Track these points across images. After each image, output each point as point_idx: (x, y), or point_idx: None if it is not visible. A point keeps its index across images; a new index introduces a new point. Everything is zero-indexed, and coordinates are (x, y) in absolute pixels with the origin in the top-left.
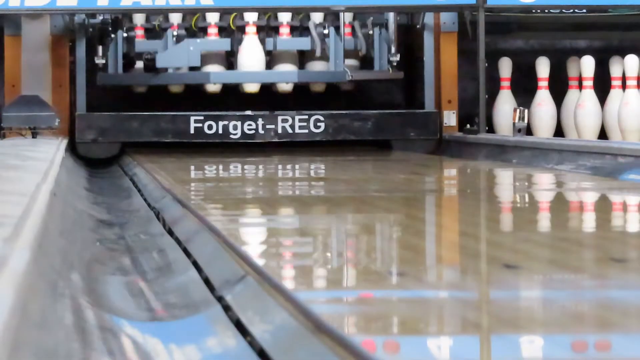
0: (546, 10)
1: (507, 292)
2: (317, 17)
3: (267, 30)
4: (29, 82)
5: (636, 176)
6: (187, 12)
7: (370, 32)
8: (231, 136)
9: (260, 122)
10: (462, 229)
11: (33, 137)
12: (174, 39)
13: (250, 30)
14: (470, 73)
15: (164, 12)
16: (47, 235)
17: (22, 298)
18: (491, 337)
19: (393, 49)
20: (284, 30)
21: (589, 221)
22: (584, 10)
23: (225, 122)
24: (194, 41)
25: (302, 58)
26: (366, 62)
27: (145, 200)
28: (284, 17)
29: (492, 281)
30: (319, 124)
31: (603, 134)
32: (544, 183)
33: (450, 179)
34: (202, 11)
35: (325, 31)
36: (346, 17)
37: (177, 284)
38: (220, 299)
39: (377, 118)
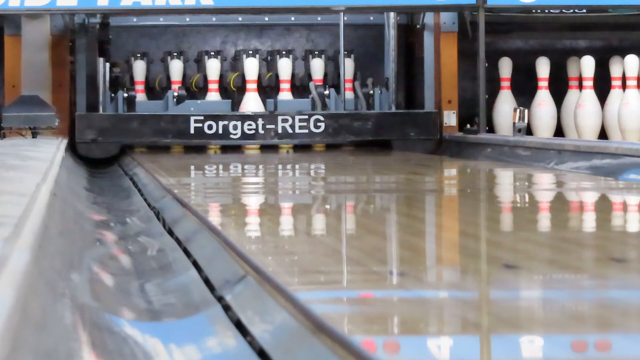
0: (546, 10)
1: (507, 292)
2: (317, 75)
3: (268, 90)
4: (29, 82)
5: (636, 176)
6: (187, 13)
7: (371, 91)
8: (231, 136)
9: (260, 122)
10: (462, 229)
11: (33, 137)
12: (175, 99)
13: (251, 86)
14: (470, 73)
15: (164, 13)
16: (47, 235)
17: (22, 298)
18: (491, 337)
19: (393, 108)
20: (285, 87)
21: (589, 221)
22: (584, 10)
23: (225, 122)
24: (195, 102)
25: None
26: None
27: (145, 200)
28: (284, 76)
29: (492, 281)
30: (319, 124)
31: (603, 134)
32: (544, 183)
33: (450, 179)
34: (202, 12)
35: (326, 92)
36: (347, 76)
37: (177, 283)
38: (220, 299)
39: (377, 118)
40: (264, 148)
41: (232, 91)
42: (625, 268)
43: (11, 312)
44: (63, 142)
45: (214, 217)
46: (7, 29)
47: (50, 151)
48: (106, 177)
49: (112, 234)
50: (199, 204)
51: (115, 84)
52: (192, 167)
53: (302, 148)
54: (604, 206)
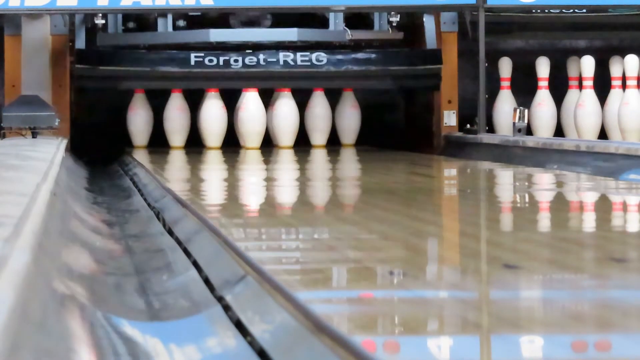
0: (546, 10)
1: (507, 292)
2: None
3: None
4: (29, 82)
5: (636, 176)
6: (187, 12)
7: None
8: (232, 66)
9: (261, 56)
10: (462, 229)
11: (33, 137)
12: None
13: None
14: (470, 73)
15: (164, 12)
16: (47, 235)
17: (22, 298)
18: (491, 337)
19: None
20: None
21: (589, 221)
22: (584, 10)
23: (226, 58)
24: None
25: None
26: (367, 22)
27: (145, 200)
28: None
29: (492, 281)
30: (321, 58)
31: (603, 134)
32: (544, 183)
33: (450, 179)
34: (202, 11)
35: None
36: None
37: (177, 283)
38: (220, 299)
39: (380, 53)
40: (264, 147)
41: None
42: (625, 268)
43: (11, 312)
44: (63, 142)
45: (214, 217)
46: (7, 29)
47: (50, 151)
48: (106, 177)
49: (112, 234)
50: (199, 203)
51: None
52: (193, 167)
53: (302, 146)
54: (604, 206)
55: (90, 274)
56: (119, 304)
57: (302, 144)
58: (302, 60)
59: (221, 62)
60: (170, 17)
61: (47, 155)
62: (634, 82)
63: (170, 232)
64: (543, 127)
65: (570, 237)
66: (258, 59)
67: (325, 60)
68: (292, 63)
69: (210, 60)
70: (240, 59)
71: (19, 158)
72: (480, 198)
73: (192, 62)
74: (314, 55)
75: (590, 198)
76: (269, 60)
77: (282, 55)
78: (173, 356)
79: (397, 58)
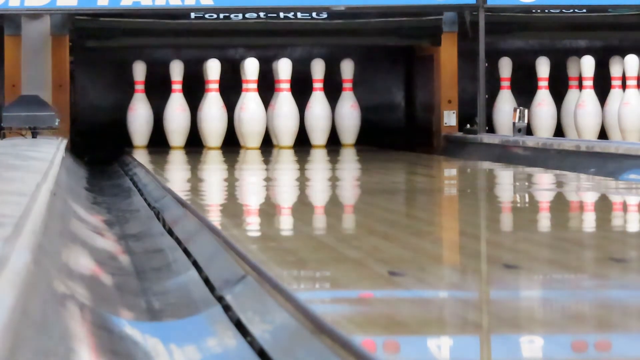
0: (546, 10)
1: (507, 292)
2: None
3: None
4: (29, 82)
5: (636, 176)
6: (187, 12)
7: None
8: (232, 17)
9: (261, 14)
10: (462, 229)
11: (33, 137)
12: None
13: (251, 86)
14: (470, 73)
15: (164, 12)
16: (47, 235)
17: (22, 298)
18: (491, 337)
19: None
20: None
21: (589, 221)
22: (584, 10)
23: (227, 14)
24: None
25: None
26: None
27: (145, 200)
28: None
29: (492, 281)
30: (321, 14)
31: (603, 134)
32: (544, 183)
33: (450, 179)
34: (202, 11)
35: None
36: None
37: (177, 283)
38: (220, 299)
39: (381, 7)
40: (264, 146)
41: None
42: (625, 268)
43: (11, 312)
44: (63, 142)
45: (214, 217)
46: (7, 29)
47: (50, 151)
48: (106, 177)
49: (112, 233)
50: (199, 203)
51: None
52: (192, 167)
53: (302, 146)
54: (604, 206)
55: (90, 274)
56: (119, 304)
57: (302, 144)
58: (302, 15)
59: (221, 17)
60: None
61: (47, 155)
62: (634, 82)
63: (170, 232)
64: (543, 127)
65: (570, 237)
66: (258, 14)
67: (325, 15)
68: (292, 17)
69: (210, 16)
70: (240, 14)
71: (19, 158)
72: (480, 198)
73: (192, 16)
74: (313, 14)
75: (590, 198)
76: (269, 15)
77: (282, 15)
78: (173, 356)
79: (398, 12)
